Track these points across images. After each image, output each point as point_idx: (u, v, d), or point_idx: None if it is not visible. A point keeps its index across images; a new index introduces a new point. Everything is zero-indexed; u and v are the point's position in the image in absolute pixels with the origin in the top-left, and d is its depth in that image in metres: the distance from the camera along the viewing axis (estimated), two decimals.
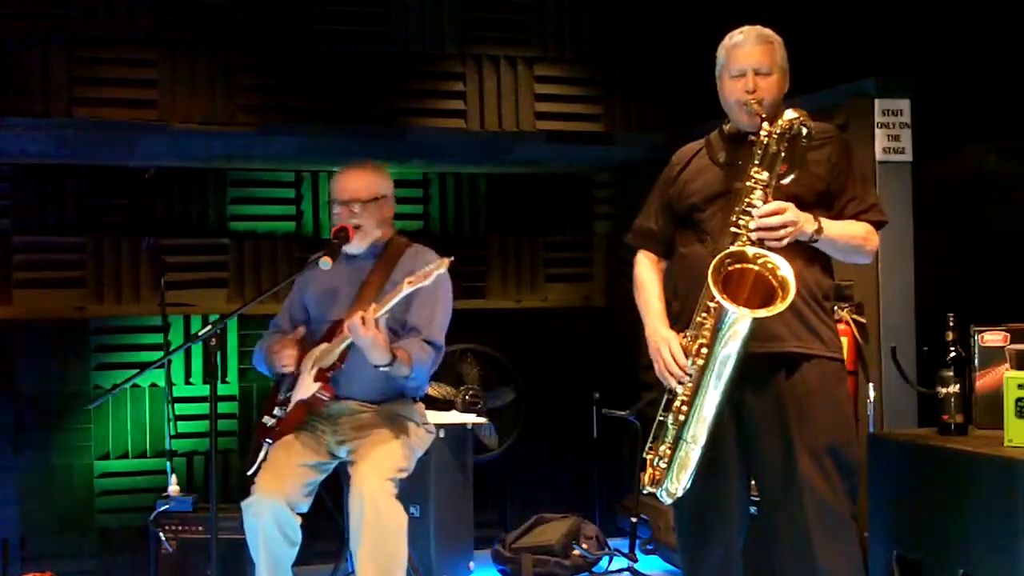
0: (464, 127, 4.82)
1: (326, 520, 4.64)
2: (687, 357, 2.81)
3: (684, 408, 2.81)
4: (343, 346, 3.46)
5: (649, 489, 2.88)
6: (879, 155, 3.80)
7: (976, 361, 3.34)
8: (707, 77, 3.04)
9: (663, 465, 2.85)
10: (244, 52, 4.55)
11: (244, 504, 3.43)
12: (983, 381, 3.33)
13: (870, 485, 3.40)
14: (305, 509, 3.48)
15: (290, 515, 3.41)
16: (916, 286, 3.82)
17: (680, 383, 2.81)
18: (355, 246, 3.62)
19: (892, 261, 3.78)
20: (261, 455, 3.52)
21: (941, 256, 4.35)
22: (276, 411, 3.59)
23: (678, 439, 2.82)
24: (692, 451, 2.82)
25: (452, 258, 3.36)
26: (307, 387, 3.52)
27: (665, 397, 2.87)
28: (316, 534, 4.69)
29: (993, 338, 3.33)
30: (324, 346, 3.55)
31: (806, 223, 2.78)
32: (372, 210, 3.63)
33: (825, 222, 2.83)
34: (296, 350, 3.59)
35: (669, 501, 2.90)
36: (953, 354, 3.25)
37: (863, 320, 3.82)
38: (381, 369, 3.38)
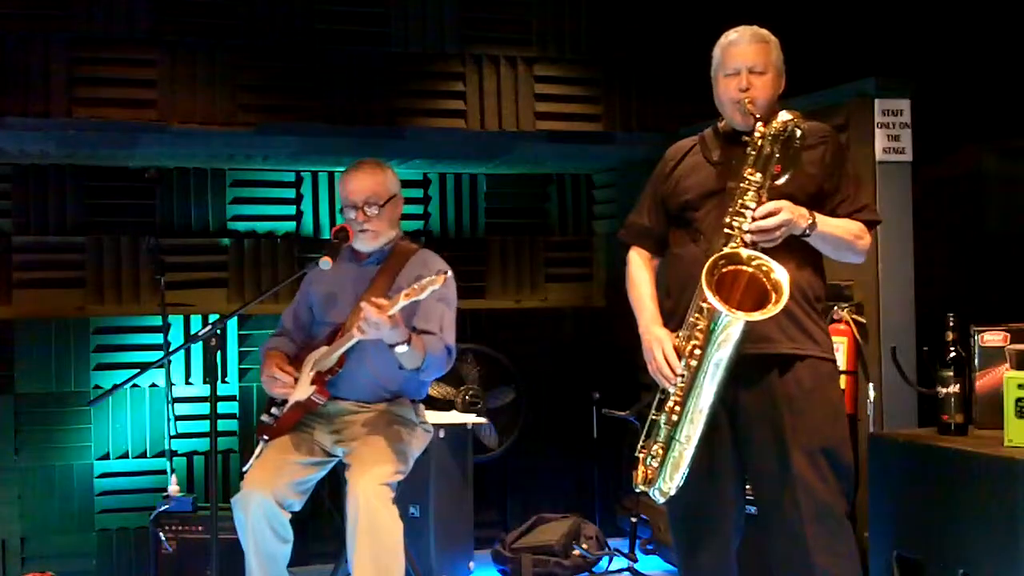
0: (464, 127, 4.82)
1: (326, 520, 4.65)
2: (680, 358, 2.80)
3: (677, 408, 2.81)
4: (342, 350, 3.45)
5: (642, 488, 2.88)
6: (879, 155, 3.79)
7: (976, 361, 3.34)
8: (707, 77, 3.03)
9: (655, 464, 2.85)
10: (244, 52, 4.55)
11: (233, 500, 3.43)
12: (983, 381, 3.33)
13: (870, 485, 3.40)
14: (297, 507, 3.47)
15: (278, 511, 3.39)
16: (916, 286, 3.82)
17: (673, 384, 2.81)
18: (368, 246, 3.62)
19: (892, 261, 3.78)
20: (256, 452, 3.54)
21: (941, 256, 4.36)
22: (273, 410, 3.61)
23: (671, 439, 2.82)
24: (685, 451, 2.82)
25: (449, 274, 3.29)
26: (304, 389, 3.52)
27: (657, 396, 2.87)
28: (316, 534, 4.71)
29: (993, 338, 3.33)
30: (324, 349, 3.55)
31: (799, 218, 2.79)
32: (387, 211, 3.61)
33: (818, 217, 2.83)
34: (290, 379, 3.56)
35: (662, 500, 2.90)
36: (953, 354, 3.25)
37: (863, 320, 3.82)
38: (397, 350, 3.31)
